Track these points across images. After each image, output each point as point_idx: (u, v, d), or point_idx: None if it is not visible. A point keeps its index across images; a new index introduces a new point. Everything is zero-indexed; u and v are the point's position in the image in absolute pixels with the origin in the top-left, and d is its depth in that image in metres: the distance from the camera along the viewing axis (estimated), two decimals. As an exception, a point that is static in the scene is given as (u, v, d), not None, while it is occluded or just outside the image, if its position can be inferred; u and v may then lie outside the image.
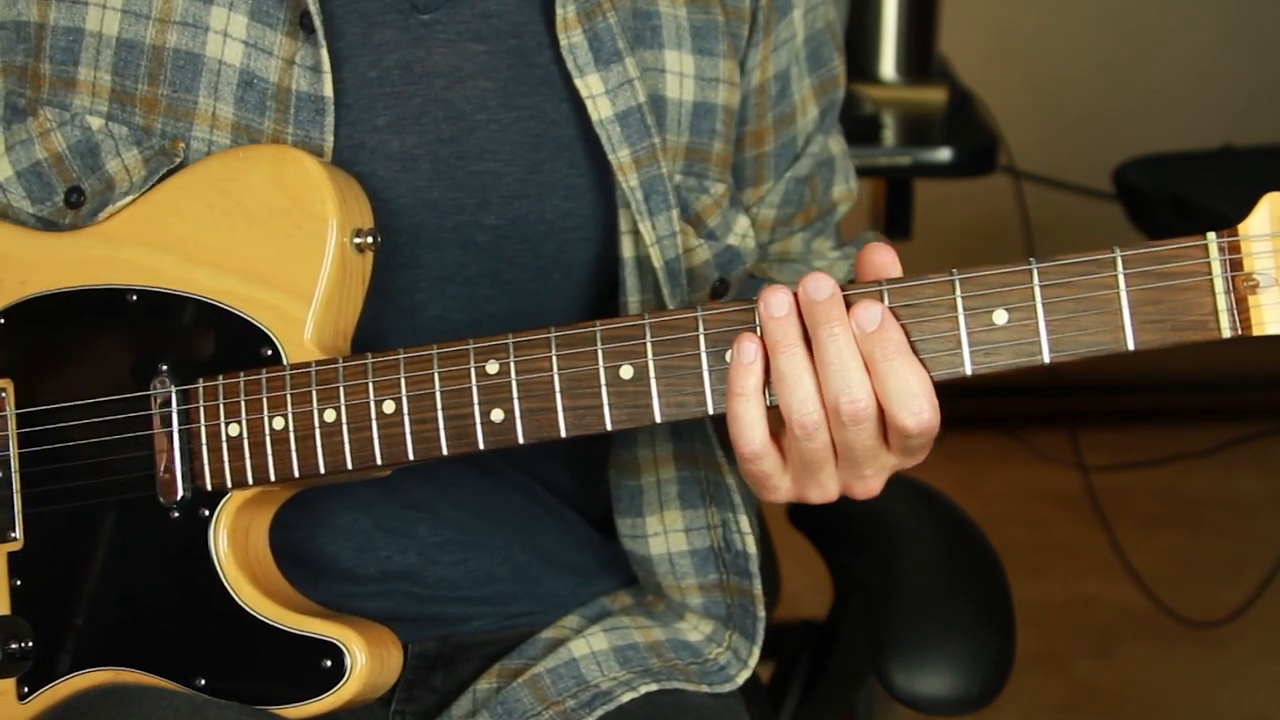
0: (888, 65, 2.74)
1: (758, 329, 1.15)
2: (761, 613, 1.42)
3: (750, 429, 1.15)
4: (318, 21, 1.28)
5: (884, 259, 1.16)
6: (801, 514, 1.78)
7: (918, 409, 1.12)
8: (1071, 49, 3.94)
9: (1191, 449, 3.75)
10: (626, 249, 1.34)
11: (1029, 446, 3.80)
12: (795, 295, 1.14)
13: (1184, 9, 3.94)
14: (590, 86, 1.32)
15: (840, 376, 1.12)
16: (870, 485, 1.18)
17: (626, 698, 1.38)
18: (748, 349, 1.14)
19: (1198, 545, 3.48)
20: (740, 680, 1.43)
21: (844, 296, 1.13)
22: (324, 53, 1.29)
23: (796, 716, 1.72)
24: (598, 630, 1.42)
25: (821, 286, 1.13)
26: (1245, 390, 3.92)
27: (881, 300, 1.13)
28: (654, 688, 1.39)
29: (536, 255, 1.35)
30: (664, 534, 1.40)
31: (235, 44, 1.30)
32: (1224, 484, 3.71)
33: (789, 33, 1.45)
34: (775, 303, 1.14)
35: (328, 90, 1.29)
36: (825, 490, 1.18)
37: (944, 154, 2.50)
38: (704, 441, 1.38)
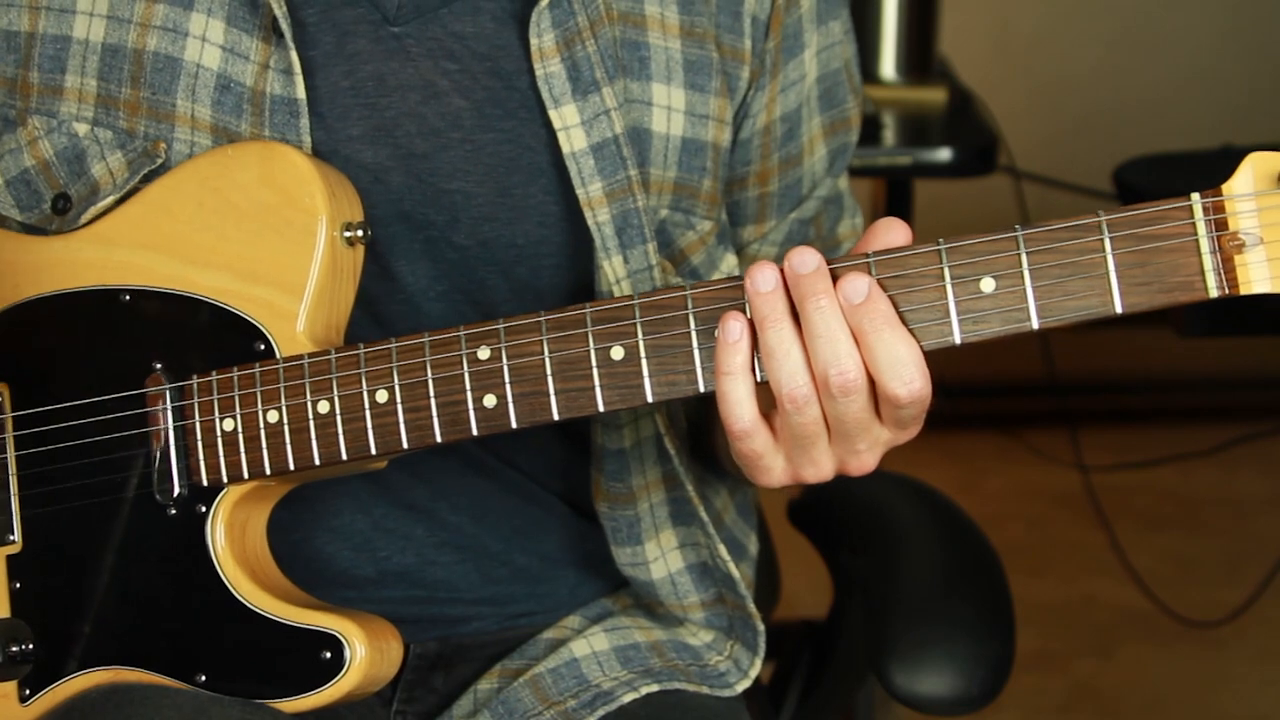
0: (888, 65, 2.74)
1: (746, 307, 1.15)
2: (760, 626, 1.42)
3: (739, 406, 1.15)
4: (285, 26, 1.29)
5: (894, 237, 1.15)
6: (801, 514, 1.78)
7: (908, 378, 1.12)
8: (1071, 49, 3.93)
9: (1191, 449, 3.75)
10: (601, 281, 1.34)
11: (1029, 446, 3.80)
12: (782, 270, 1.14)
13: (1184, 9, 3.94)
14: (565, 118, 1.32)
15: (829, 348, 1.12)
16: (864, 460, 1.17)
17: (628, 698, 1.38)
18: (733, 327, 1.14)
19: (1198, 545, 3.48)
20: (740, 689, 1.43)
21: (831, 270, 1.13)
22: (294, 55, 1.29)
23: (796, 716, 1.72)
24: (599, 630, 1.43)
25: (807, 260, 1.13)
26: (1245, 390, 3.91)
27: (869, 272, 1.13)
28: (655, 688, 1.39)
29: (508, 279, 1.35)
30: (662, 557, 1.40)
31: (213, 49, 1.30)
32: (1224, 484, 3.71)
33: (799, 73, 1.43)
34: (761, 278, 1.14)
35: (300, 93, 1.30)
36: (819, 468, 1.17)
37: (944, 154, 2.50)
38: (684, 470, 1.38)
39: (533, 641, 1.44)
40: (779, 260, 1.46)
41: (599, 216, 1.32)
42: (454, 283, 1.35)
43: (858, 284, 1.12)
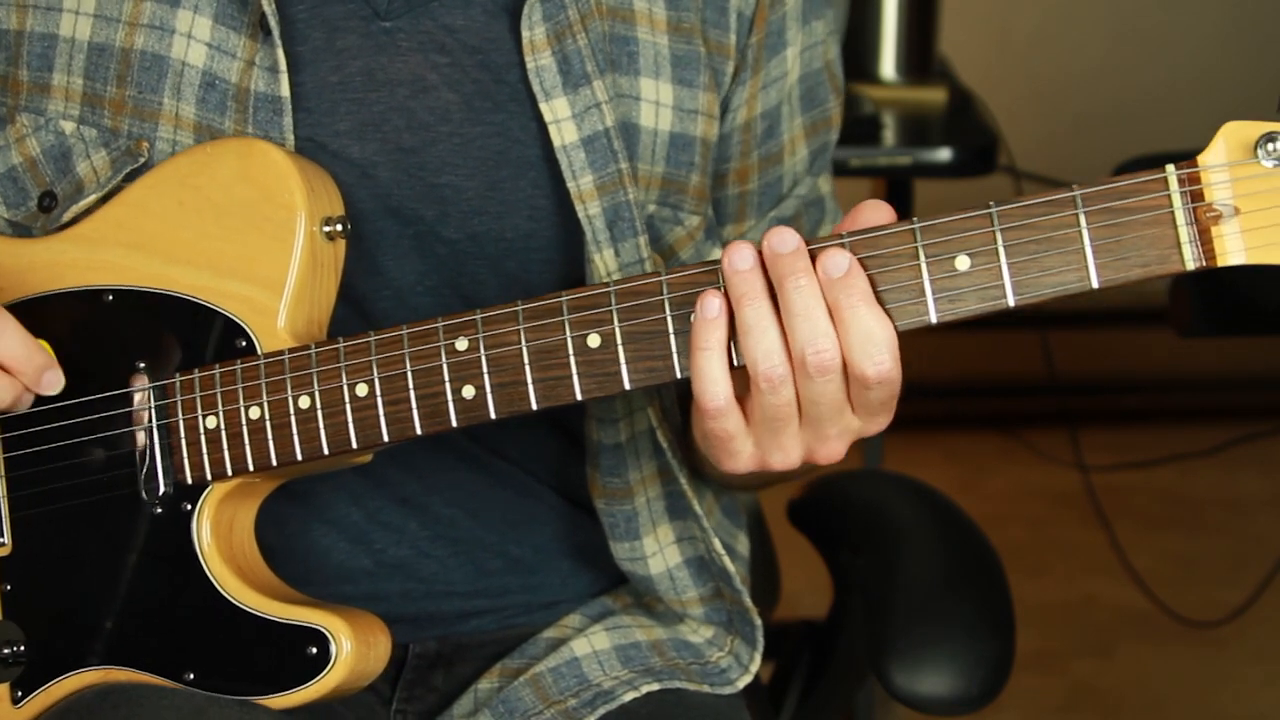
0: (888, 65, 2.74)
1: (721, 288, 1.15)
2: (757, 621, 1.42)
3: (715, 384, 1.14)
4: (274, 23, 1.29)
5: (879, 217, 1.15)
6: (801, 514, 1.78)
7: (879, 358, 1.11)
8: (1071, 49, 3.93)
9: (1191, 449, 3.75)
10: (592, 275, 1.33)
11: (1029, 446, 3.80)
12: (759, 250, 1.13)
13: (1184, 8, 3.94)
14: (556, 111, 1.31)
15: (807, 326, 1.12)
16: (834, 448, 1.16)
17: (628, 696, 1.38)
18: (712, 304, 1.14)
19: (1198, 545, 3.48)
20: (741, 684, 1.43)
21: (810, 250, 1.13)
22: (280, 53, 1.29)
23: (796, 716, 1.72)
24: (599, 629, 1.42)
25: (786, 240, 1.12)
26: (1245, 390, 3.91)
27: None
28: (655, 687, 1.39)
29: (497, 273, 1.35)
30: (660, 551, 1.40)
31: (199, 46, 1.31)
32: (1224, 484, 3.71)
33: (780, 70, 1.42)
34: (739, 256, 1.13)
35: (284, 90, 1.30)
36: (787, 453, 1.16)
37: (944, 154, 2.50)
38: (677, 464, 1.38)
39: (533, 640, 1.44)
40: None
41: (590, 210, 1.32)
42: (443, 277, 1.35)
43: (838, 259, 1.12)
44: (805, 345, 1.12)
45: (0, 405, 1.27)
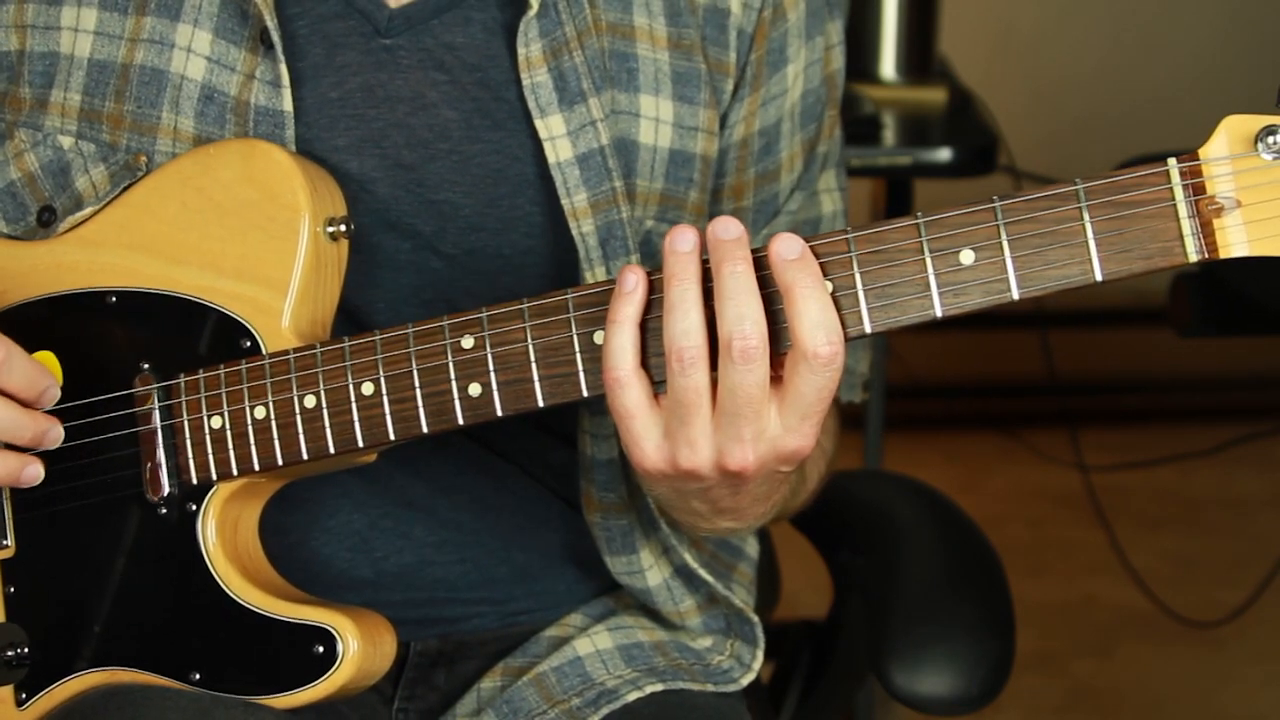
0: (888, 65, 2.74)
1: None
2: (754, 618, 1.43)
3: (620, 354, 1.14)
4: (276, 37, 1.30)
5: None
6: (802, 514, 1.78)
7: (832, 337, 1.11)
8: (1071, 49, 3.94)
9: (1191, 449, 3.75)
10: None
11: (1029, 446, 3.80)
12: (702, 235, 1.14)
13: (1184, 9, 3.94)
14: (551, 128, 1.32)
15: (736, 309, 1.11)
16: (746, 453, 1.14)
17: (632, 696, 1.38)
18: (629, 278, 1.14)
19: (1198, 545, 3.48)
20: (744, 682, 1.44)
21: (811, 246, 1.12)
22: (282, 68, 1.30)
23: (796, 716, 1.72)
24: (602, 629, 1.43)
25: (730, 228, 1.13)
26: (1245, 390, 3.92)
27: (847, 248, 1.13)
28: (659, 687, 1.39)
29: (493, 287, 1.35)
30: (655, 564, 1.40)
31: (198, 59, 1.31)
32: (1224, 484, 3.71)
33: (780, 87, 1.42)
34: (681, 239, 1.13)
35: (287, 105, 1.30)
36: (695, 449, 1.14)
37: (944, 154, 2.50)
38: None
39: (535, 640, 1.44)
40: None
41: (584, 227, 1.32)
42: (438, 291, 1.35)
43: (792, 243, 1.12)
44: (732, 328, 1.11)
45: (19, 439, 1.26)
